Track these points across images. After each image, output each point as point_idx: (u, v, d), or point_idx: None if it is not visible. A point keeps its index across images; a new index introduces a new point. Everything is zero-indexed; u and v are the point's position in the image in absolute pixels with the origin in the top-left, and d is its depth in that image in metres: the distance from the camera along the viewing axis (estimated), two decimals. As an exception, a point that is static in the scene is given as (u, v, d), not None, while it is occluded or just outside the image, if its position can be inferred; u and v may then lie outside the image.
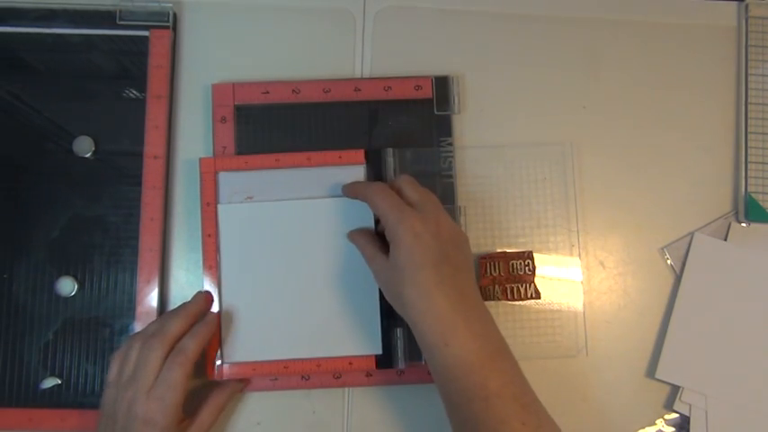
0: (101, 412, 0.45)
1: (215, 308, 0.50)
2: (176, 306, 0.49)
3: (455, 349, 0.41)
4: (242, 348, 0.49)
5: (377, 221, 0.50)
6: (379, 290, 0.49)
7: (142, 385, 0.43)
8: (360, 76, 0.55)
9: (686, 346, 0.52)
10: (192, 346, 0.45)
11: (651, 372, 0.52)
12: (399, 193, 0.46)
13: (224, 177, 0.51)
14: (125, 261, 0.51)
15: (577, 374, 0.52)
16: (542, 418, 0.41)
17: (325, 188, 0.51)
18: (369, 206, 0.47)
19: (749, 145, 0.55)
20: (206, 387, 0.49)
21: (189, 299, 0.49)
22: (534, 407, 0.42)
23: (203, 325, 0.47)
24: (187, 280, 0.52)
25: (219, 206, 0.50)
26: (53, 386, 0.49)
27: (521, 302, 0.52)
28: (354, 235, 0.49)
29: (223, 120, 0.52)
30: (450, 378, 0.41)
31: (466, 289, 0.44)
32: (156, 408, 0.43)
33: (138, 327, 0.49)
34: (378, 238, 0.48)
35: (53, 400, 0.49)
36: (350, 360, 0.50)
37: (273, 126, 0.52)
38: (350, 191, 0.49)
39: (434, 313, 0.42)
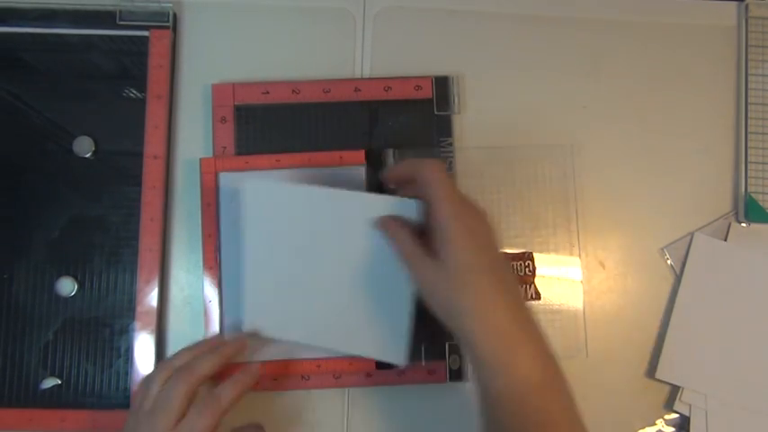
0: None
1: (215, 311, 0.50)
2: (209, 337, 0.49)
3: (519, 370, 0.37)
4: (262, 320, 0.48)
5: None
6: (412, 296, 0.45)
7: (163, 426, 0.40)
8: (360, 77, 0.54)
9: (686, 346, 0.52)
10: (230, 396, 0.42)
11: (651, 372, 0.52)
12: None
13: (225, 177, 0.51)
14: (125, 261, 0.51)
15: (577, 374, 0.52)
16: None
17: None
18: (419, 186, 0.40)
19: (749, 145, 0.55)
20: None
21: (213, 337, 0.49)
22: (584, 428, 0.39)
23: (245, 375, 0.44)
24: (187, 280, 0.51)
25: (247, 182, 0.47)
26: (53, 386, 0.49)
27: (521, 302, 0.52)
28: (390, 224, 0.41)
29: (223, 120, 0.52)
30: (507, 400, 0.37)
31: (520, 299, 0.39)
32: None
33: (138, 327, 0.50)
34: (417, 234, 0.41)
35: (53, 400, 0.49)
36: (350, 360, 0.50)
37: (273, 126, 0.52)
38: (395, 171, 0.43)
39: (495, 326, 0.37)
